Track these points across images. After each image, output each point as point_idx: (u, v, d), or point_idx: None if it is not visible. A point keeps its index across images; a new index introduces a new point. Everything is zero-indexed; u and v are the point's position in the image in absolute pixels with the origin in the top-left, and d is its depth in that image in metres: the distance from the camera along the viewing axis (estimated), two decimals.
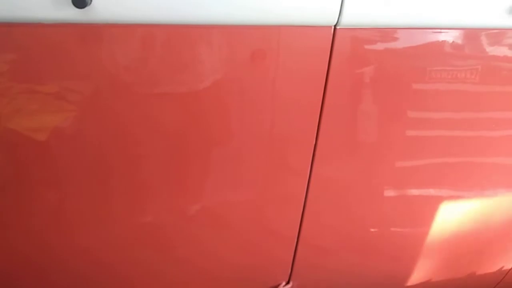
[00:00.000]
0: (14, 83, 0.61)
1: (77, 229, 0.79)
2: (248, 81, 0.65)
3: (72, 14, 0.54)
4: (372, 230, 0.89)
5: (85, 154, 0.69)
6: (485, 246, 1.00)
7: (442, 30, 0.65)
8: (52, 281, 0.87)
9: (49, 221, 0.77)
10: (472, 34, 0.66)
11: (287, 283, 0.95)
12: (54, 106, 0.64)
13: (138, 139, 0.68)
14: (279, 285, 0.95)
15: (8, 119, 0.64)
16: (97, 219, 0.78)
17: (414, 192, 0.85)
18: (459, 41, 0.67)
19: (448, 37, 0.66)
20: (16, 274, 0.84)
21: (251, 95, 0.66)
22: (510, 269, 1.07)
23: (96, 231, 0.80)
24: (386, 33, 0.64)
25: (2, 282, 0.85)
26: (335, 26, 0.61)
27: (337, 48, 0.63)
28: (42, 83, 0.62)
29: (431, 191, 0.86)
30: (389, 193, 0.83)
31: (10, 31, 0.56)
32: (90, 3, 0.52)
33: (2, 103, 0.62)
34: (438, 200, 0.87)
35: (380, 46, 0.65)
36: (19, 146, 0.67)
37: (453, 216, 0.90)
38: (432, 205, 0.87)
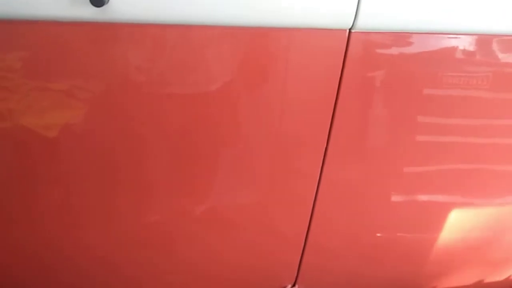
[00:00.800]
0: (26, 80, 0.61)
1: (83, 227, 0.79)
2: (260, 83, 0.65)
3: (89, 12, 0.54)
4: (380, 234, 0.89)
5: (93, 152, 0.69)
6: (493, 254, 0.99)
7: (456, 36, 0.65)
8: (57, 279, 0.87)
9: (55, 219, 0.77)
10: (485, 40, 0.66)
11: (293, 285, 0.95)
12: (65, 103, 0.64)
13: (146, 139, 0.68)
14: (285, 287, 0.95)
15: (20, 116, 0.64)
16: (103, 217, 0.78)
17: (423, 198, 0.85)
18: (472, 47, 0.67)
19: (461, 43, 0.66)
20: (21, 271, 0.85)
21: (263, 97, 0.66)
22: None
23: (102, 229, 0.80)
24: (400, 37, 0.64)
25: (7, 279, 0.85)
26: (350, 29, 0.61)
27: (351, 52, 0.63)
28: (54, 80, 0.62)
29: (440, 197, 0.85)
30: (398, 198, 0.83)
31: (25, 28, 0.56)
32: (108, 2, 0.52)
33: (14, 99, 0.62)
34: (447, 206, 0.86)
35: (393, 50, 0.65)
36: (29, 142, 0.67)
37: (462, 223, 0.90)
38: (441, 211, 0.87)
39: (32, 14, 0.54)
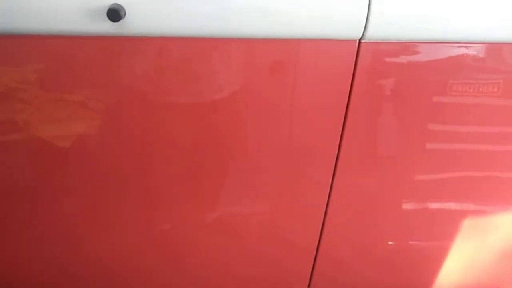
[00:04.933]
0: (43, 92, 0.63)
1: (90, 237, 0.80)
2: (270, 93, 0.66)
3: (107, 27, 0.55)
4: (391, 243, 0.88)
5: (103, 161, 0.70)
6: (505, 262, 0.98)
7: (464, 44, 0.65)
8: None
9: (67, 227, 0.78)
10: (494, 48, 0.66)
11: None
12: (79, 114, 0.65)
13: (155, 149, 0.69)
14: None
15: (35, 126, 0.65)
16: (111, 227, 0.79)
17: (434, 205, 0.84)
18: (481, 55, 0.67)
19: (470, 51, 0.66)
20: (30, 278, 0.85)
21: (271, 107, 0.67)
22: None
23: (109, 239, 0.81)
24: (409, 46, 0.64)
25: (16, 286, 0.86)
26: (360, 39, 0.61)
27: (361, 61, 0.63)
28: (69, 92, 0.63)
29: (452, 205, 0.85)
30: (410, 206, 0.83)
31: (43, 42, 0.58)
32: (124, 16, 0.53)
33: (29, 110, 0.64)
34: (459, 214, 0.86)
35: (403, 59, 0.65)
36: (43, 152, 0.68)
37: (474, 231, 0.89)
38: (452, 219, 0.86)
39: (49, 28, 0.56)
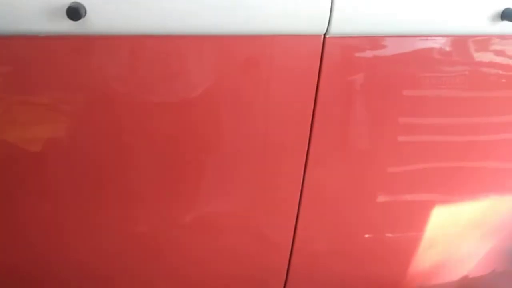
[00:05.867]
0: (7, 95, 0.62)
1: (70, 240, 0.79)
2: (239, 90, 0.66)
3: (67, 26, 0.54)
4: (366, 235, 0.89)
5: (78, 164, 0.69)
6: (477, 249, 1.00)
7: (430, 38, 0.67)
8: None
9: (41, 232, 0.77)
10: (459, 41, 0.68)
11: None
12: (47, 117, 0.64)
13: (130, 148, 0.69)
14: None
15: (2, 130, 0.64)
16: (90, 229, 0.78)
17: (407, 197, 0.86)
18: (447, 48, 0.68)
19: (436, 44, 0.67)
20: (7, 285, 0.84)
21: (243, 104, 0.67)
22: (503, 272, 1.08)
23: (89, 241, 0.80)
24: (375, 41, 0.65)
25: None
26: (324, 35, 0.62)
27: (327, 56, 0.64)
28: (35, 94, 0.62)
29: (424, 196, 0.87)
30: (382, 198, 0.84)
31: (4, 43, 0.57)
32: (85, 15, 0.52)
33: None
34: (431, 204, 0.87)
35: (369, 53, 0.66)
36: (12, 157, 0.67)
37: (446, 220, 0.91)
38: (425, 209, 0.88)
39: (9, 29, 0.55)
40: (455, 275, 1.04)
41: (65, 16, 0.51)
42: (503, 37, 0.68)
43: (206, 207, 0.78)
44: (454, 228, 0.94)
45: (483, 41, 0.69)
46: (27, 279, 0.84)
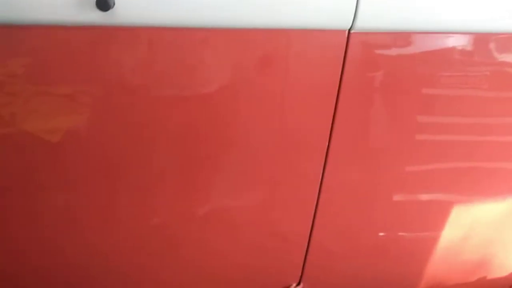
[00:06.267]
0: (29, 85, 0.62)
1: (86, 231, 0.79)
2: (259, 85, 0.65)
3: (95, 16, 0.55)
4: (382, 234, 0.89)
5: (96, 155, 0.69)
6: (495, 250, 1.00)
7: (453, 35, 0.66)
8: (58, 284, 0.87)
9: (58, 223, 0.77)
10: (482, 39, 0.67)
11: (298, 284, 0.95)
12: (68, 108, 0.64)
13: (147, 141, 0.69)
14: (289, 286, 0.95)
15: (23, 121, 0.65)
16: (106, 221, 0.78)
17: (424, 196, 0.85)
18: (470, 47, 0.68)
19: (459, 42, 0.67)
20: (22, 275, 0.85)
21: (262, 99, 0.67)
22: None
23: (105, 233, 0.80)
24: (399, 37, 0.64)
25: (8, 283, 0.85)
26: (349, 30, 0.61)
27: (350, 53, 0.63)
28: (56, 84, 0.62)
29: (441, 196, 0.86)
30: (400, 197, 0.83)
31: (30, 33, 0.57)
32: (113, 6, 0.52)
33: (17, 104, 0.63)
34: (448, 204, 0.87)
35: (392, 50, 0.66)
36: (32, 147, 0.67)
37: (463, 220, 0.90)
38: (441, 209, 0.87)
39: (37, 18, 0.55)
40: (472, 276, 1.03)
41: (94, 7, 0.51)
42: None
43: (222, 201, 0.78)
44: (471, 228, 0.93)
45: (508, 39, 0.68)
46: (41, 270, 0.85)
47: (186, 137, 0.69)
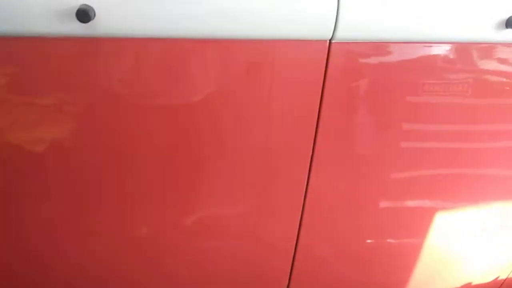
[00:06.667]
0: (12, 96, 0.62)
1: (68, 242, 0.78)
2: (243, 94, 0.66)
3: (76, 28, 0.55)
4: (368, 240, 0.89)
5: (80, 165, 0.69)
6: (480, 256, 1.00)
7: (434, 44, 0.67)
8: None
9: (39, 234, 0.77)
10: (463, 49, 0.68)
11: None
12: (51, 118, 0.64)
13: (133, 151, 0.69)
14: None
15: (5, 131, 0.64)
16: (90, 231, 0.77)
17: (410, 203, 0.86)
18: (451, 55, 0.69)
19: (440, 51, 0.68)
20: (8, 283, 0.83)
21: (246, 108, 0.67)
22: (505, 280, 1.07)
23: (88, 244, 0.79)
24: (380, 47, 0.65)
25: None
26: (330, 40, 0.62)
27: (332, 62, 0.64)
28: (40, 95, 0.62)
29: (427, 202, 0.87)
30: (385, 204, 0.84)
31: (11, 44, 0.57)
32: (94, 17, 0.53)
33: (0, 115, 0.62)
34: (433, 211, 0.88)
35: (374, 59, 0.67)
36: (15, 158, 0.67)
37: (448, 226, 0.91)
38: (427, 216, 0.88)
39: (18, 30, 0.55)
40: (458, 282, 1.04)
41: (75, 18, 0.52)
42: (507, 45, 0.68)
43: (207, 211, 0.78)
44: (457, 235, 0.94)
45: (488, 49, 0.69)
46: (23, 281, 0.83)
47: (169, 147, 0.69)
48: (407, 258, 0.95)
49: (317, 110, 0.68)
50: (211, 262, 0.87)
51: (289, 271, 0.90)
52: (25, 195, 0.71)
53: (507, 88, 0.74)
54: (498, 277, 1.06)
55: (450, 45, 0.67)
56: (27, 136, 0.66)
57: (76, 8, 0.51)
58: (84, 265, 0.82)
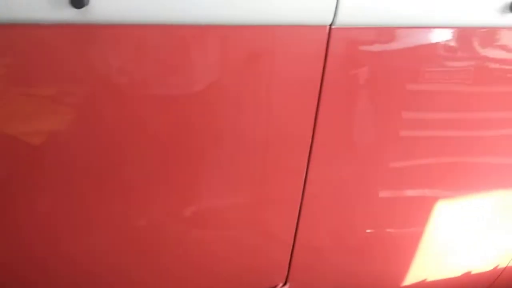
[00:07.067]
0: (6, 86, 0.61)
1: (67, 235, 0.78)
2: (242, 82, 0.65)
3: (70, 14, 0.53)
4: (367, 231, 0.89)
5: (80, 157, 0.68)
6: (480, 245, 1.00)
7: (436, 30, 0.66)
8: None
9: (40, 226, 0.76)
10: (465, 34, 0.67)
11: (284, 284, 0.95)
12: (50, 109, 0.63)
13: (133, 141, 0.68)
14: (276, 286, 0.95)
15: (3, 123, 0.63)
16: (89, 224, 0.77)
17: (409, 192, 0.85)
18: (453, 42, 0.68)
19: (442, 37, 0.67)
20: (3, 280, 0.83)
21: (245, 96, 0.66)
22: (505, 268, 1.08)
23: (87, 237, 0.79)
24: (381, 32, 0.64)
25: None
26: (330, 25, 0.61)
27: (332, 48, 0.63)
28: (36, 85, 0.61)
29: (426, 191, 0.86)
30: (385, 194, 0.84)
31: (4, 33, 0.55)
32: (88, 3, 0.51)
33: None
34: (433, 200, 0.87)
35: (375, 46, 0.65)
36: (13, 150, 0.66)
37: (448, 215, 0.91)
38: (427, 205, 0.88)
39: (10, 17, 0.53)
40: (458, 271, 1.04)
41: (68, 4, 0.50)
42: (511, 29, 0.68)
43: (206, 202, 0.78)
44: (457, 224, 0.93)
45: (491, 34, 0.68)
46: (21, 276, 0.83)
47: (169, 137, 0.69)
48: (406, 248, 0.95)
49: (317, 98, 0.67)
50: (209, 254, 0.86)
51: (288, 264, 0.90)
52: (22, 188, 0.70)
53: (510, 75, 0.73)
54: (497, 266, 1.06)
55: (452, 30, 0.66)
56: (25, 128, 0.65)
57: None
58: (82, 257, 0.82)
